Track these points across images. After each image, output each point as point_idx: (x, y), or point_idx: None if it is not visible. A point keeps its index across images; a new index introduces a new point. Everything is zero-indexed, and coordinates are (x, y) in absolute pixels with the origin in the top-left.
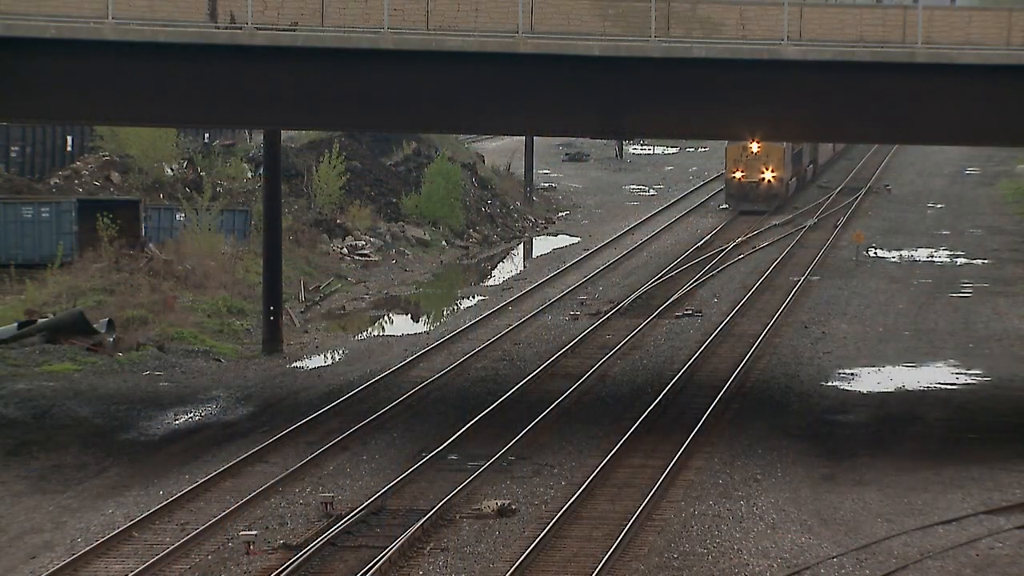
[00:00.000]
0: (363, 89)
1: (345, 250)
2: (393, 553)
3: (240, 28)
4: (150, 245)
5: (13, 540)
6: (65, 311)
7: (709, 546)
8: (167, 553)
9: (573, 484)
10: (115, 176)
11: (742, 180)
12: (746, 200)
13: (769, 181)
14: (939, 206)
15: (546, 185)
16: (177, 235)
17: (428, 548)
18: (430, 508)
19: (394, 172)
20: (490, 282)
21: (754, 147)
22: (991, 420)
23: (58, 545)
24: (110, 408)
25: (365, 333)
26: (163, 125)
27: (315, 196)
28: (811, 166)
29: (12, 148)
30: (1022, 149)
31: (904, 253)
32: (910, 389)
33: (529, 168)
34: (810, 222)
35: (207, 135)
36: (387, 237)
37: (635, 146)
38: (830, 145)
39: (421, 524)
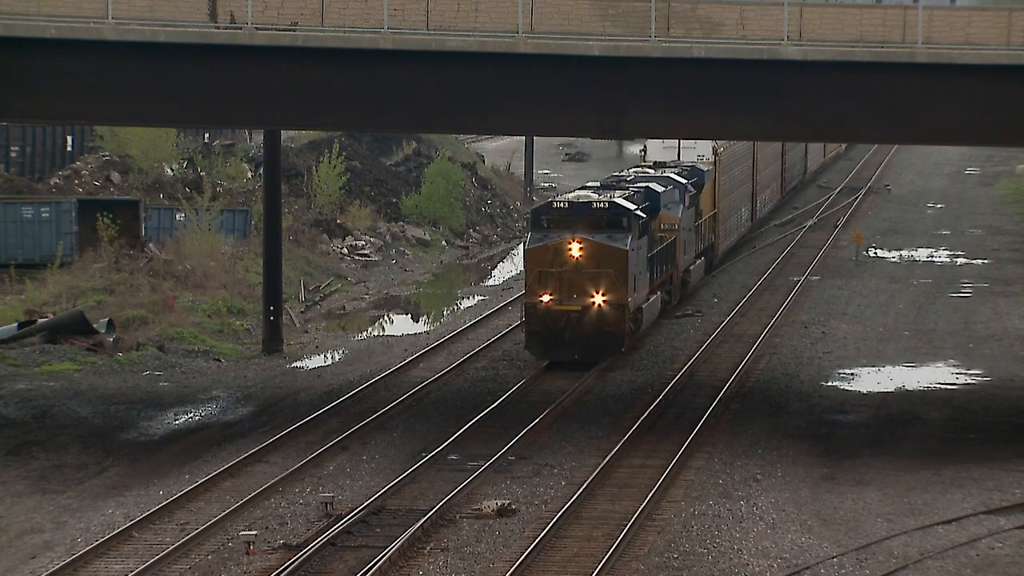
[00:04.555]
0: (363, 89)
1: (345, 250)
2: (393, 553)
3: (240, 28)
4: (150, 245)
5: (13, 540)
6: (65, 311)
7: (709, 546)
8: (167, 553)
9: (573, 484)
10: (115, 176)
11: (551, 307)
12: (559, 344)
13: (599, 308)
14: (939, 206)
15: (546, 185)
16: (177, 235)
17: (428, 548)
18: (430, 508)
19: (394, 172)
20: (490, 282)
21: (574, 248)
22: (991, 420)
23: (58, 545)
24: (110, 408)
25: (365, 333)
26: (163, 125)
27: (315, 196)
28: (700, 260)
29: (12, 148)
30: (1022, 149)
31: (904, 253)
32: (910, 389)
33: (529, 168)
34: (810, 222)
35: (207, 135)
36: (387, 237)
37: (635, 146)
38: (741, 214)
39: (421, 524)
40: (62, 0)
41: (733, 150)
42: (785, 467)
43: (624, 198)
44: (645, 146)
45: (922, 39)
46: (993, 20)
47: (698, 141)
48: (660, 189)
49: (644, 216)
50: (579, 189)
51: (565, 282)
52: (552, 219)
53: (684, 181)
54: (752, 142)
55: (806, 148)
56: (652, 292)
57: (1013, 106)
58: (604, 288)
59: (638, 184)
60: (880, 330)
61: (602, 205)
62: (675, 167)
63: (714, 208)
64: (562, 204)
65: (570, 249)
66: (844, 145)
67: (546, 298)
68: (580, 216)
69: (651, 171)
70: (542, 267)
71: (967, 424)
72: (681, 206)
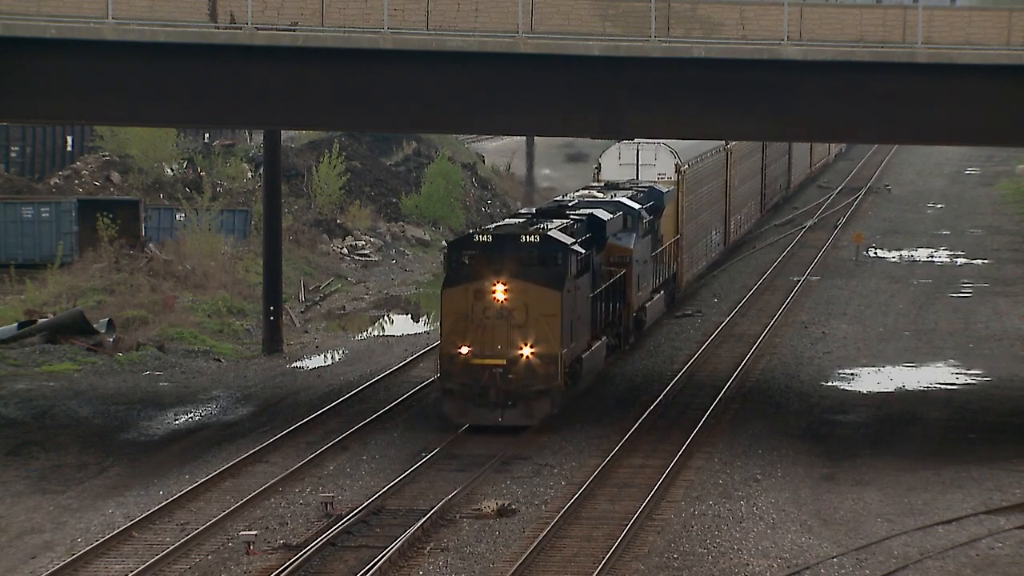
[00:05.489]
0: (363, 89)
1: (345, 250)
2: (393, 553)
3: (240, 28)
4: (150, 245)
5: (13, 540)
6: (65, 311)
7: (709, 546)
8: (167, 553)
9: (573, 484)
10: (115, 176)
11: (470, 360)
12: (480, 403)
13: (527, 361)
14: (939, 206)
15: (546, 185)
16: (177, 235)
17: (428, 548)
18: (430, 508)
19: (394, 172)
20: None
21: (498, 291)
22: (991, 420)
23: (58, 545)
24: (110, 408)
25: (365, 333)
26: (163, 125)
27: (315, 196)
28: (659, 294)
29: (12, 148)
30: (1022, 149)
31: (904, 253)
32: (910, 389)
33: (529, 168)
34: (810, 222)
35: (207, 135)
36: (387, 237)
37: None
38: (711, 238)
39: (421, 524)
40: (62, 0)
41: (700, 167)
42: (785, 467)
43: (561, 229)
44: (600, 164)
45: (922, 39)
46: (993, 20)
47: (659, 157)
48: (606, 217)
49: (584, 251)
50: (509, 217)
51: (487, 331)
52: (473, 255)
53: (637, 206)
54: (725, 157)
55: (790, 159)
56: (595, 338)
57: (1013, 106)
58: (533, 338)
59: (580, 211)
60: (880, 330)
61: (532, 239)
62: (629, 188)
63: (677, 233)
64: (485, 238)
65: (493, 292)
66: (833, 156)
67: (465, 350)
68: (506, 252)
69: (599, 195)
70: (460, 312)
71: (967, 424)
72: (634, 234)
